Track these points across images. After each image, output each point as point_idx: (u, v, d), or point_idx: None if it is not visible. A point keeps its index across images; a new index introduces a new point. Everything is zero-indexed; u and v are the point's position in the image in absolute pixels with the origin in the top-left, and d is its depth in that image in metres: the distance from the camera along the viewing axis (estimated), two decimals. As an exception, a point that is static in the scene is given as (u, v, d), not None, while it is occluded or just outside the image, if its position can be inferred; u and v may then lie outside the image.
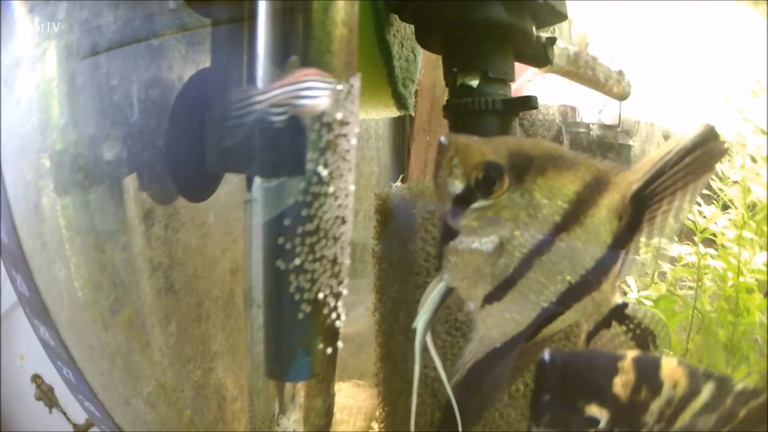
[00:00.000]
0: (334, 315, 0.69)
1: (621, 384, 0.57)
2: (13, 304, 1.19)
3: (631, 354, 0.59)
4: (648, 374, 0.57)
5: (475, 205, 0.59)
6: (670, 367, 0.58)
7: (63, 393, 1.27)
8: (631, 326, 0.65)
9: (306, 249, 0.65)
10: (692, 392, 0.57)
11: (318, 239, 0.66)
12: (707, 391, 0.57)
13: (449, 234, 0.61)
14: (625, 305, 0.65)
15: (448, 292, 0.63)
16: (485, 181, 0.58)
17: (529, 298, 0.61)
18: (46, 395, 1.24)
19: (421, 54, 1.06)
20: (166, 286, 0.74)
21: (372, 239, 0.92)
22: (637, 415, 0.57)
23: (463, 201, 0.59)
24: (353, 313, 1.04)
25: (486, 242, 0.60)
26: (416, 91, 1.13)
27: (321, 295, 0.67)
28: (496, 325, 0.64)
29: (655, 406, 0.57)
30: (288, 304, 0.67)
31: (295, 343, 0.69)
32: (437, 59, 0.91)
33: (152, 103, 0.72)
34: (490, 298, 0.62)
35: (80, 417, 1.27)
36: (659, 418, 0.58)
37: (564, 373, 0.58)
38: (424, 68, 1.18)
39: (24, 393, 1.26)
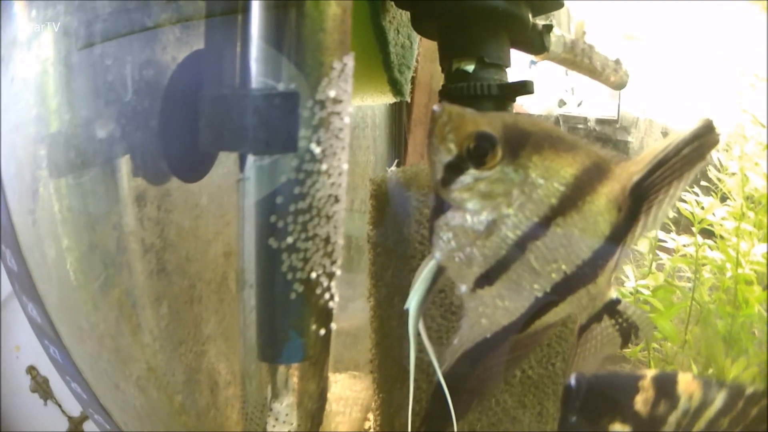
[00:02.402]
0: (327, 295, 0.68)
1: (641, 401, 0.63)
2: (10, 293, 1.19)
3: (651, 373, 0.65)
4: (666, 390, 0.63)
5: (466, 175, 0.58)
6: (685, 382, 0.64)
7: (58, 385, 1.27)
8: (620, 320, 0.66)
9: (299, 227, 0.65)
10: (706, 402, 0.63)
11: (311, 217, 0.65)
12: (720, 399, 0.63)
13: (440, 209, 0.60)
14: (618, 301, 0.65)
15: (440, 271, 0.62)
16: (477, 151, 0.57)
17: (522, 286, 0.60)
18: (41, 387, 1.24)
19: (419, 44, 1.06)
20: (158, 268, 0.74)
21: (367, 225, 0.92)
22: (656, 428, 0.63)
23: (454, 170, 0.58)
24: (352, 306, 1.04)
25: (478, 220, 0.59)
26: (414, 83, 1.13)
27: (314, 275, 0.66)
28: (486, 313, 0.63)
29: (673, 418, 0.62)
30: (280, 284, 0.66)
31: (288, 324, 0.68)
32: (435, 52, 0.91)
33: (146, 83, 0.72)
34: (482, 282, 0.61)
35: (75, 409, 1.26)
36: (676, 428, 0.63)
37: (588, 395, 0.63)
38: (422, 60, 1.19)
39: (20, 385, 1.26)
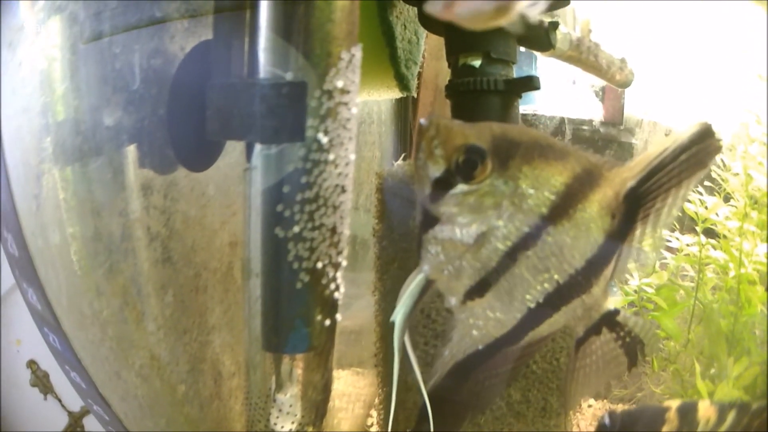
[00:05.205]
0: (333, 286, 0.68)
1: (667, 431, 0.72)
2: (11, 287, 1.18)
3: (675, 404, 0.75)
4: (688, 418, 0.73)
5: (456, 189, 0.57)
6: (704, 408, 0.74)
7: (58, 380, 1.26)
8: (621, 334, 0.64)
9: (305, 217, 0.65)
10: (719, 422, 0.72)
11: (317, 207, 0.65)
12: (731, 417, 0.72)
13: (429, 222, 0.59)
14: (617, 312, 0.63)
15: (428, 284, 0.62)
16: (466, 165, 0.56)
17: (513, 297, 0.59)
18: (41, 381, 1.23)
19: (425, 41, 1.06)
20: (163, 256, 0.73)
21: (373, 218, 0.92)
22: None
23: (442, 185, 0.57)
24: (356, 303, 1.03)
25: (467, 232, 0.58)
26: (420, 82, 1.13)
27: (320, 265, 0.66)
28: (478, 325, 0.62)
29: None
30: (286, 273, 0.66)
31: (294, 313, 0.68)
32: (440, 51, 0.92)
33: (154, 72, 0.72)
34: (472, 294, 0.60)
35: (75, 404, 1.25)
36: None
37: (622, 431, 0.73)
38: (428, 58, 1.19)
39: (20, 379, 1.25)
